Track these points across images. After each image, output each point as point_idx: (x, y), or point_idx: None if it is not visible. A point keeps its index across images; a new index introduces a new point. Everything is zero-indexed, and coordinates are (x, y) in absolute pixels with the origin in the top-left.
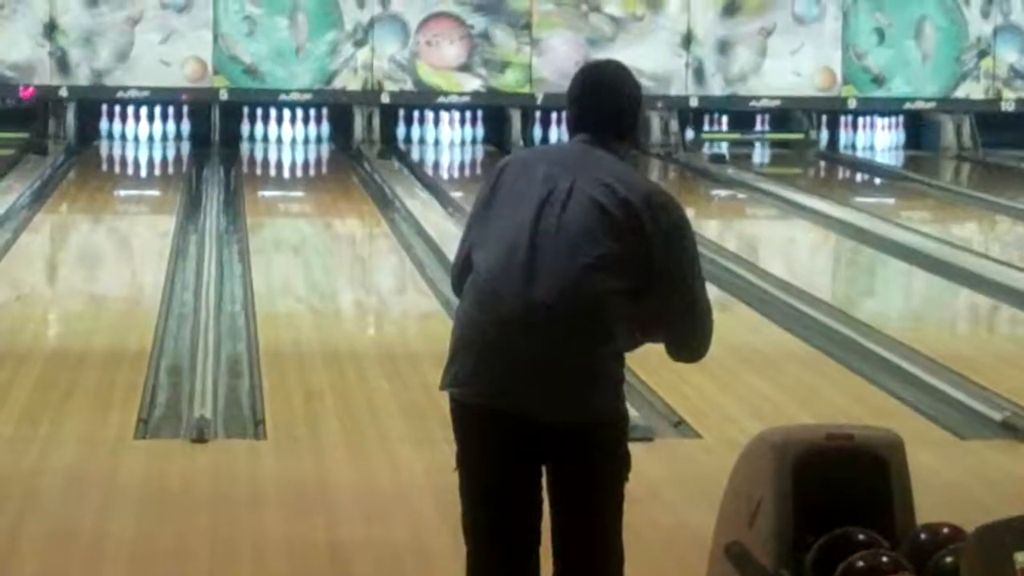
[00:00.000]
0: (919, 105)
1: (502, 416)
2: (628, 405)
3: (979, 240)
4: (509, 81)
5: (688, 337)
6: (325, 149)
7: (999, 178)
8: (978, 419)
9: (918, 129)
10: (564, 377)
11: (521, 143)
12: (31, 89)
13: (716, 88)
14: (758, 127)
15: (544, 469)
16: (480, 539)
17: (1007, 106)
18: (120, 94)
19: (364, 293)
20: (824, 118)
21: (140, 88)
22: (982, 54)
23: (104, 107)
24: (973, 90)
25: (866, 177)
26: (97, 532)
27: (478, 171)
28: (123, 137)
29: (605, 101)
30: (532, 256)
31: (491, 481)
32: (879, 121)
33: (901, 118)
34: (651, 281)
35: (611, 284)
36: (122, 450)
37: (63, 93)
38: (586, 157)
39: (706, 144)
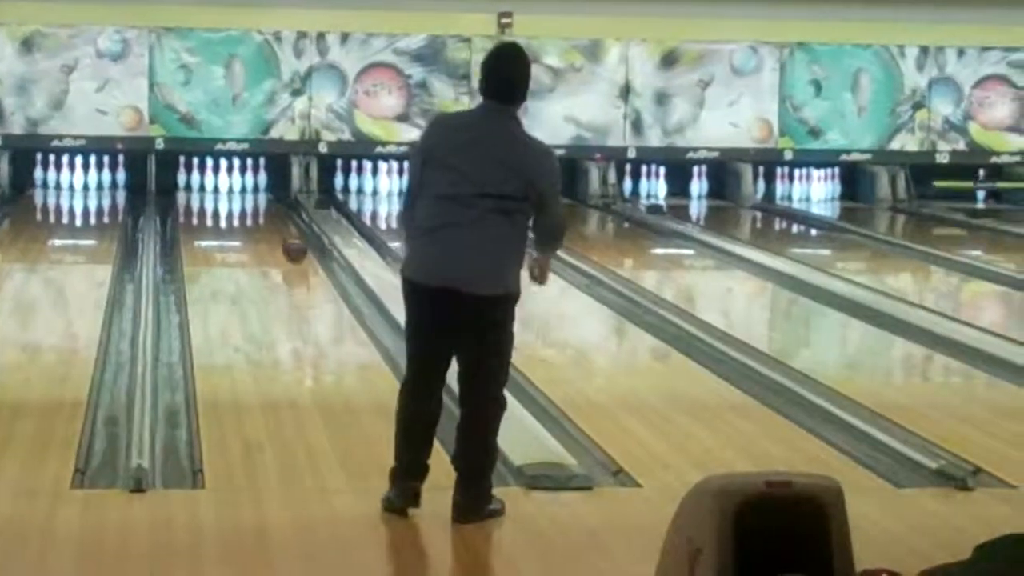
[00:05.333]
0: (855, 157)
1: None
2: (568, 454)
3: (913, 290)
4: None
5: (552, 230)
6: (262, 199)
7: (933, 229)
8: (914, 467)
9: (854, 180)
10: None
11: None
12: None
13: (654, 139)
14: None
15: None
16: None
17: (941, 158)
18: (55, 143)
19: (302, 343)
20: (760, 169)
21: (75, 137)
22: (917, 106)
23: (39, 156)
24: (908, 142)
25: (802, 228)
26: None
27: None
28: (58, 186)
29: (504, 75)
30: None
31: (430, 333)
32: (815, 172)
33: (837, 170)
34: (534, 201)
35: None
36: (59, 500)
37: None
38: (494, 121)
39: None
